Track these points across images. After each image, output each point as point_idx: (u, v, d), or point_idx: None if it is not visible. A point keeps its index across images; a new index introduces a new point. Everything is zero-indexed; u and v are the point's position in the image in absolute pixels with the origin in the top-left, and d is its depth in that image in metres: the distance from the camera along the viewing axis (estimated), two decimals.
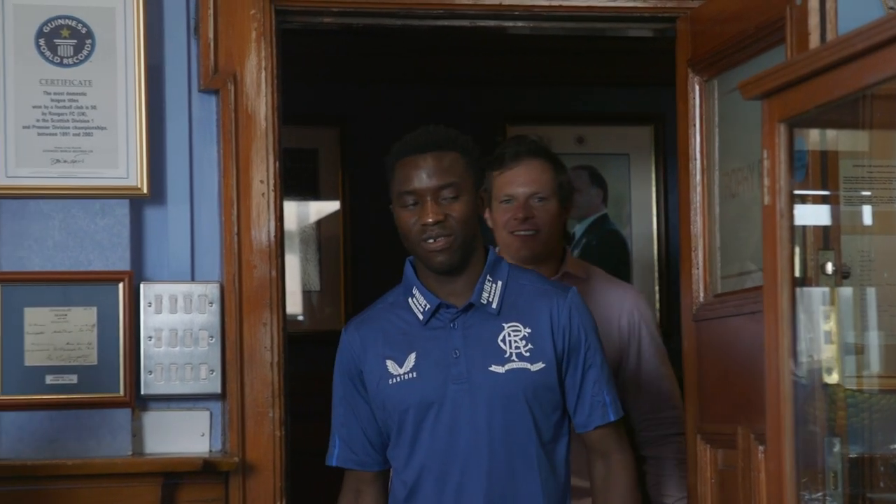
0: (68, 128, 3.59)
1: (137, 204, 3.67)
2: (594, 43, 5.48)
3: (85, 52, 3.61)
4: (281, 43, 3.81)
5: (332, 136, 6.19)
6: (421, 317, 3.13)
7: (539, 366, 3.11)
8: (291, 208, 6.00)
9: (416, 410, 3.10)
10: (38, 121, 3.58)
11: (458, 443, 3.10)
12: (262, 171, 3.73)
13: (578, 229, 6.32)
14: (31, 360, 3.56)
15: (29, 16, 3.59)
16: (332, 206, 6.17)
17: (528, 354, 3.11)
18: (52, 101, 3.59)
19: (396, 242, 3.17)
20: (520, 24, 3.99)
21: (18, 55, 3.57)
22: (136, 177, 3.61)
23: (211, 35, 3.72)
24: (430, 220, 3.04)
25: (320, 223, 6.15)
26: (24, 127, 3.57)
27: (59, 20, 3.61)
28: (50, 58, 3.59)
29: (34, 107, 3.58)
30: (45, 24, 3.59)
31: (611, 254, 6.31)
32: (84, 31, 3.61)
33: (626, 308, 3.85)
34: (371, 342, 3.16)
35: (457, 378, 3.09)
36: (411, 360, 3.12)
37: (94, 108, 3.60)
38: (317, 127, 6.12)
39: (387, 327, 3.17)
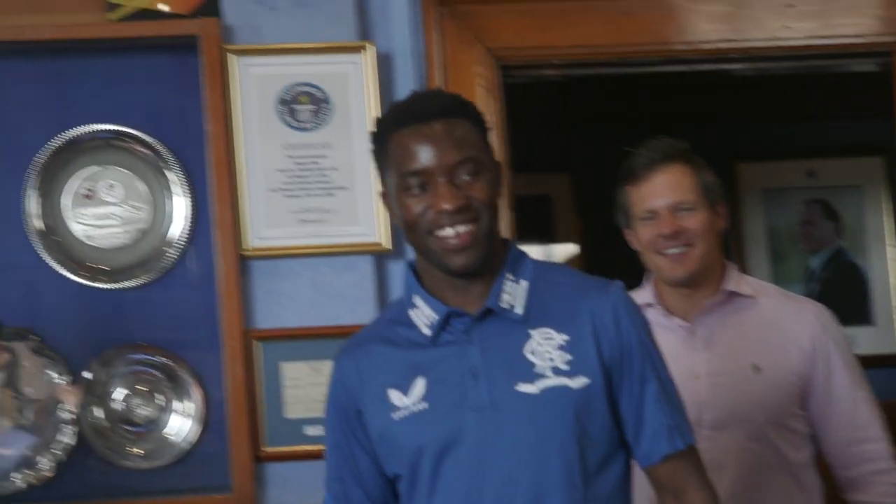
0: (312, 189, 3.79)
1: (380, 259, 3.83)
2: (817, 77, 5.48)
3: (323, 117, 3.80)
4: (506, 96, 3.95)
5: (564, 183, 6.31)
6: (427, 331, 2.44)
7: (582, 381, 2.39)
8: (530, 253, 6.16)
9: (432, 452, 2.40)
10: (283, 184, 3.78)
11: (485, 490, 2.39)
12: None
13: (816, 265, 6.28)
14: (290, 412, 3.74)
15: (270, 85, 3.79)
16: (570, 248, 6.30)
17: (566, 368, 2.38)
18: (296, 164, 3.78)
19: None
20: (738, 66, 4.05)
21: (262, 122, 3.78)
22: (377, 233, 3.78)
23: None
24: (449, 206, 2.36)
25: None
26: (271, 190, 3.77)
27: (298, 87, 3.80)
28: (291, 123, 3.79)
29: (279, 170, 3.77)
30: (285, 91, 3.79)
31: (851, 287, 6.26)
32: (321, 96, 3.81)
33: (807, 325, 3.23)
34: (369, 370, 2.48)
35: (477, 405, 2.39)
36: (420, 387, 2.43)
37: (334, 169, 3.79)
38: (548, 174, 6.25)
39: (386, 349, 2.48)
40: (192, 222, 3.82)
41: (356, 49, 3.79)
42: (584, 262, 6.23)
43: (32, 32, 3.74)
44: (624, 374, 2.43)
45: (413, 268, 2.52)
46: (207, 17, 3.77)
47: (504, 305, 2.43)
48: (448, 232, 2.38)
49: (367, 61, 3.78)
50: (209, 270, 3.77)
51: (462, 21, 3.88)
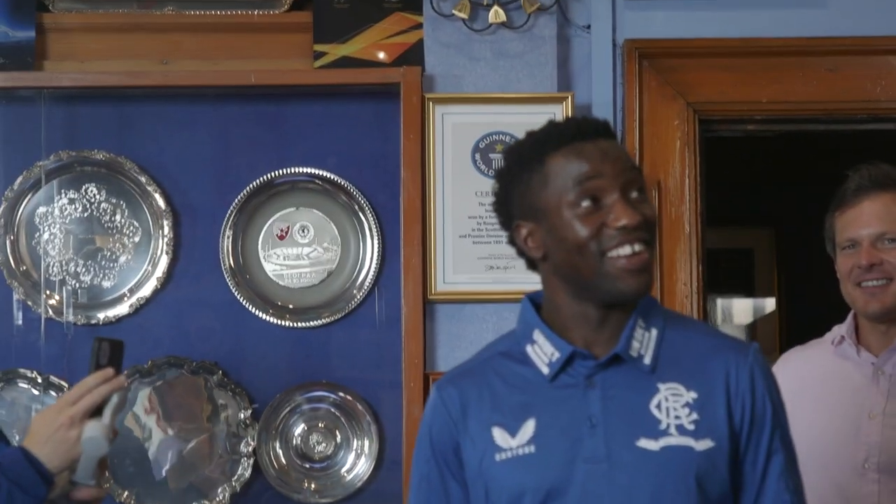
0: (501, 236, 3.76)
1: None
2: None
3: None
4: (705, 150, 3.91)
5: (768, 237, 6.23)
6: (546, 370, 2.25)
7: (707, 444, 2.20)
8: (728, 305, 6.10)
9: (532, 498, 2.20)
10: (473, 230, 3.80)
11: None
12: (686, 273, 3.83)
13: None
14: None
15: (467, 133, 3.82)
16: (769, 303, 6.23)
17: (692, 428, 2.20)
18: (486, 211, 3.79)
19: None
20: None
21: (456, 169, 3.81)
22: None
23: (636, 145, 3.86)
24: (630, 222, 2.18)
25: (756, 322, 6.21)
26: (461, 236, 3.79)
27: (494, 136, 3.82)
28: (484, 171, 3.81)
29: (470, 217, 3.80)
30: (481, 140, 3.82)
31: None
32: None
33: None
34: (474, 403, 2.28)
35: (591, 456, 2.20)
36: (529, 428, 2.23)
37: None
38: (752, 228, 6.18)
39: (495, 384, 2.28)
40: (380, 265, 3.88)
41: (555, 100, 3.80)
42: (782, 316, 6.15)
43: (239, 77, 3.84)
44: (751, 441, 2.25)
45: (532, 301, 2.34)
46: (410, 66, 3.82)
47: (633, 354, 2.24)
48: (626, 250, 2.18)
49: (565, 112, 3.79)
50: (394, 313, 3.82)
51: (663, 75, 3.86)
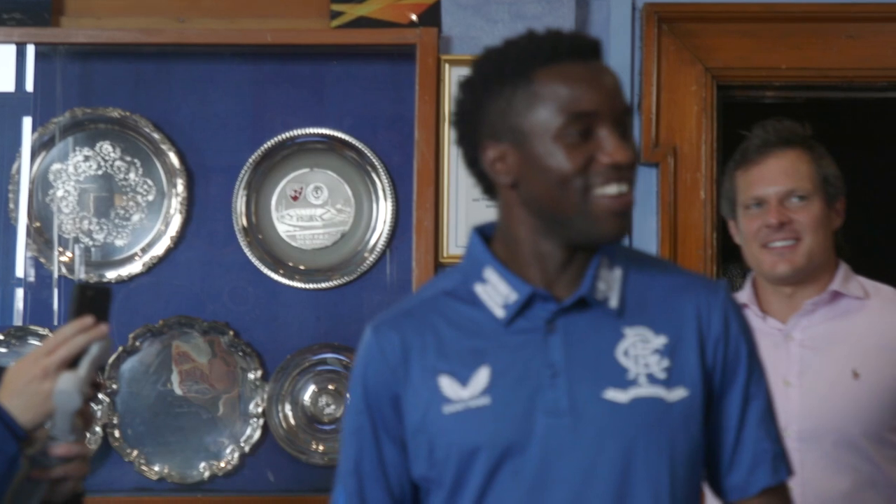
0: None
1: None
2: None
3: None
4: (722, 117, 3.88)
5: None
6: (501, 313, 2.01)
7: (679, 394, 2.00)
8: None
9: (487, 457, 1.96)
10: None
11: None
12: (700, 242, 3.80)
13: None
14: None
15: None
16: None
17: (663, 376, 1.99)
18: None
19: None
20: None
21: None
22: None
23: (653, 110, 3.83)
24: (622, 159, 1.96)
25: None
26: (474, 199, 3.76)
27: None
28: None
29: None
30: None
31: None
32: None
33: None
34: (417, 349, 2.02)
35: (553, 408, 1.97)
36: (482, 378, 1.98)
37: None
38: None
39: (441, 327, 2.03)
40: (392, 227, 3.86)
41: None
42: None
43: (255, 36, 3.82)
44: (726, 387, 2.05)
45: (481, 234, 2.09)
46: (427, 27, 3.79)
47: (598, 297, 2.01)
48: (612, 189, 1.96)
49: None
50: (405, 275, 3.81)
51: (682, 39, 3.83)
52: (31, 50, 3.91)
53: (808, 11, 3.82)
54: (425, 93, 3.77)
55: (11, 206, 3.88)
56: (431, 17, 3.83)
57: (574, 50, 1.98)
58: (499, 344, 2.00)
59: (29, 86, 3.93)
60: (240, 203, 3.87)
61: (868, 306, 2.90)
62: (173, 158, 3.88)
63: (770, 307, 2.95)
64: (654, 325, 2.02)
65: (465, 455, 1.97)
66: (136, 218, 3.90)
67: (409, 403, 2.01)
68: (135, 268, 3.88)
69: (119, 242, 3.90)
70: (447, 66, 3.77)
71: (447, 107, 3.76)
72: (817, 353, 2.88)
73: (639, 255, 2.13)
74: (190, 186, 3.90)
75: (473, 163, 2.07)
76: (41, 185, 3.89)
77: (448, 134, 3.75)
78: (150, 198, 3.90)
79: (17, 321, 3.89)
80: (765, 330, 2.89)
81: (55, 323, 3.81)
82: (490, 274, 2.02)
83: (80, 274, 3.85)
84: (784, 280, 2.89)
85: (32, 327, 3.85)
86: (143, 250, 3.89)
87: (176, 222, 3.88)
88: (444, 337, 2.01)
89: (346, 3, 3.83)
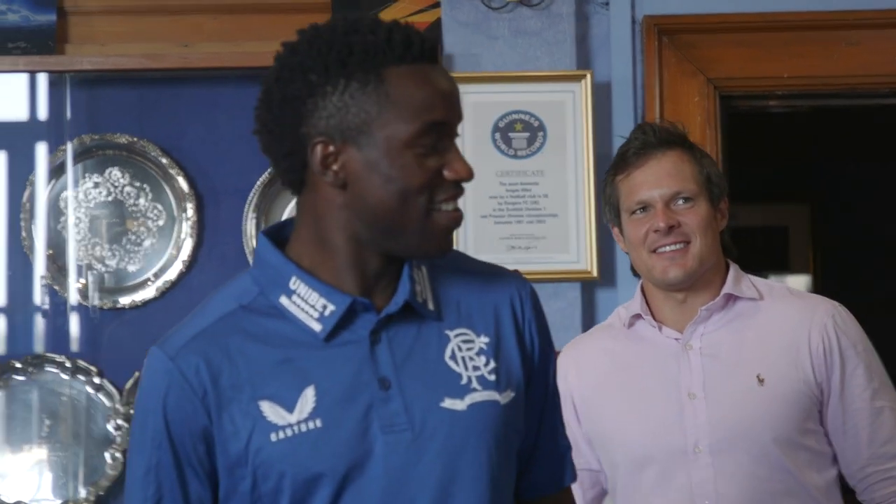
0: (522, 216, 3.81)
1: (588, 287, 3.83)
2: None
3: (537, 144, 3.82)
4: (727, 126, 3.90)
5: (803, 214, 6.22)
6: (317, 326, 1.86)
7: (509, 396, 1.91)
8: None
9: (327, 483, 1.82)
10: (494, 210, 3.81)
11: None
12: None
13: None
14: None
15: (486, 112, 3.83)
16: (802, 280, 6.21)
17: (492, 378, 1.90)
18: (507, 191, 3.81)
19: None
20: None
21: (476, 149, 3.81)
22: (586, 261, 3.77)
23: (657, 122, 3.85)
24: (465, 176, 1.88)
25: None
26: (482, 216, 3.80)
27: (514, 115, 3.83)
28: (505, 150, 3.82)
29: (491, 197, 3.81)
30: (501, 119, 3.83)
31: None
32: (536, 124, 3.82)
33: (817, 325, 2.75)
34: (227, 373, 1.84)
35: (390, 424, 1.84)
36: (308, 399, 1.83)
37: (545, 196, 3.80)
38: (787, 204, 6.16)
39: (247, 347, 1.85)
40: None
41: (574, 78, 3.80)
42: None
43: (259, 59, 3.80)
44: (535, 383, 1.97)
45: (270, 237, 1.92)
46: None
47: (419, 300, 1.90)
48: (451, 206, 1.87)
49: (584, 90, 3.79)
50: None
51: (683, 51, 3.85)
52: (42, 78, 3.93)
53: (808, 20, 3.84)
54: None
55: (24, 234, 3.91)
56: (432, 34, 3.86)
57: (424, 51, 1.86)
58: (319, 360, 1.84)
59: (41, 114, 3.96)
60: (250, 225, 3.90)
61: (763, 307, 2.80)
62: (182, 183, 3.92)
63: (664, 316, 2.82)
64: (472, 326, 1.92)
65: (300, 484, 1.81)
66: (147, 243, 3.94)
67: (226, 434, 1.83)
68: (148, 293, 3.91)
69: (131, 268, 3.93)
70: None
71: None
72: (718, 361, 2.77)
73: None
74: (200, 210, 3.93)
75: (285, 154, 1.90)
76: (52, 212, 3.93)
77: None
78: (161, 222, 3.94)
79: (36, 348, 3.92)
80: (662, 341, 2.81)
81: (72, 350, 3.85)
82: (297, 284, 1.87)
83: (95, 300, 3.88)
84: (676, 285, 2.77)
85: (49, 355, 3.88)
86: (156, 275, 3.92)
87: (187, 246, 3.91)
88: (254, 357, 1.84)
89: None
